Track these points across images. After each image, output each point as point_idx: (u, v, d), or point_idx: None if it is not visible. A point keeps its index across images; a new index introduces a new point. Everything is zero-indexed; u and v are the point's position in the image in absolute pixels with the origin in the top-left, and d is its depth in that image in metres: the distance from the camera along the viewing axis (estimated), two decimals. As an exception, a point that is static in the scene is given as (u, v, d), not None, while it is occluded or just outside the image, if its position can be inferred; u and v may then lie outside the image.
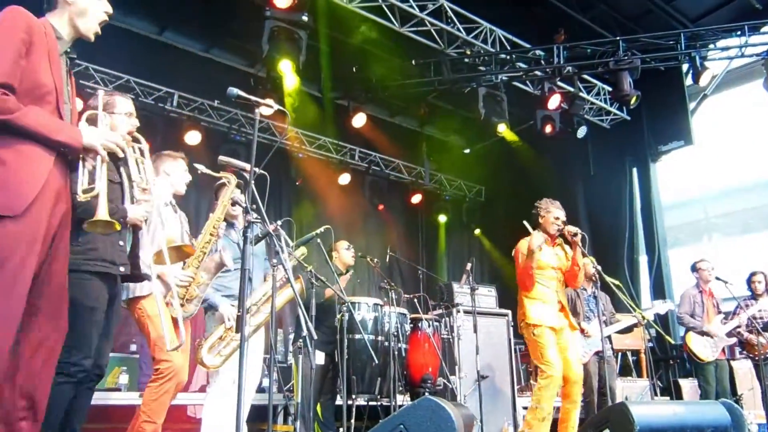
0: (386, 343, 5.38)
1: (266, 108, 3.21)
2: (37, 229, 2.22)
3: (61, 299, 2.40)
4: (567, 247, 5.05)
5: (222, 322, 4.14)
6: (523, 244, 4.90)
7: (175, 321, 3.46)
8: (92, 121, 2.71)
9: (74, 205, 2.50)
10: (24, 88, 2.25)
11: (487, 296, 7.24)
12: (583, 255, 4.93)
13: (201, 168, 3.74)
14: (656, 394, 6.79)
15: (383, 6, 7.38)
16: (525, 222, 4.90)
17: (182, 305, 3.66)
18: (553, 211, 4.94)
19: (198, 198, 8.91)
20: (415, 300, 6.35)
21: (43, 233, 2.24)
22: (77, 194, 2.40)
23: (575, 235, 4.76)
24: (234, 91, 2.89)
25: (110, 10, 2.54)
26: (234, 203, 4.09)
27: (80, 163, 2.42)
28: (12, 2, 2.32)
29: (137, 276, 3.22)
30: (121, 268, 3.05)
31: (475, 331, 5.84)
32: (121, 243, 3.09)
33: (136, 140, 3.21)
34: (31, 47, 2.28)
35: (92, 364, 2.95)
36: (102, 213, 2.39)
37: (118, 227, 2.52)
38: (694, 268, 6.98)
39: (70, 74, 2.56)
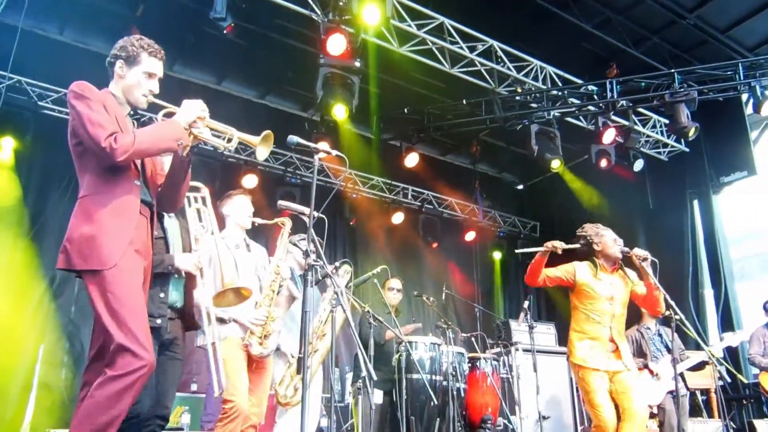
0: (444, 383, 5.34)
1: (320, 152, 3.31)
2: (134, 269, 2.54)
3: None
4: (630, 274, 4.66)
5: (286, 361, 4.26)
6: (574, 266, 4.64)
7: (252, 360, 3.72)
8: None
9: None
10: None
11: (546, 334, 7.14)
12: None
13: (257, 220, 3.94)
14: (730, 437, 6.46)
15: (434, 49, 7.52)
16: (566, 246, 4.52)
17: (261, 343, 3.76)
18: (606, 234, 4.63)
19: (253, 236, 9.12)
20: (473, 338, 6.29)
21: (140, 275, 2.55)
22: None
23: (645, 259, 4.39)
24: (294, 138, 3.00)
25: (156, 90, 2.79)
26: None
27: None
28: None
29: (193, 325, 3.35)
30: (158, 321, 3.13)
31: (535, 370, 5.73)
32: (161, 295, 3.18)
33: (195, 189, 3.37)
34: (107, 110, 2.60)
35: (150, 407, 3.03)
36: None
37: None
38: (766, 308, 6.71)
39: None
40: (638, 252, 4.43)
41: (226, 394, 3.56)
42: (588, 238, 4.66)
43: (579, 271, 4.63)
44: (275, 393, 4.22)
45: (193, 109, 2.74)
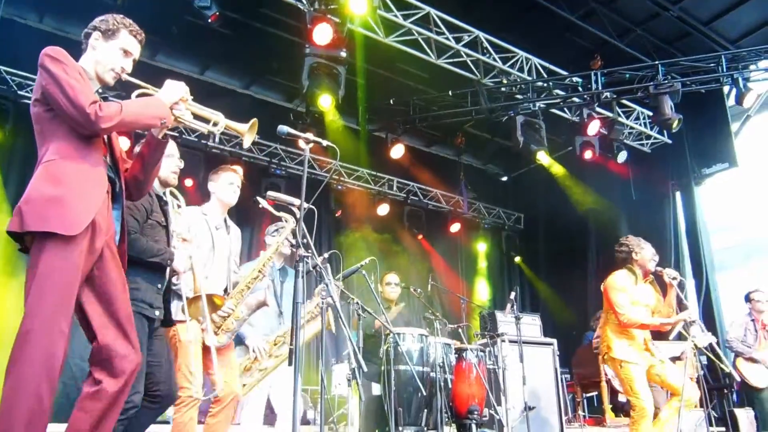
0: (432, 374, 5.34)
1: (311, 143, 3.25)
2: (80, 257, 2.28)
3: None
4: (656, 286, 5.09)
5: (247, 353, 4.20)
6: (615, 280, 4.88)
7: (206, 348, 3.55)
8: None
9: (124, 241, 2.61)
10: None
11: (532, 325, 7.16)
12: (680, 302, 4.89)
13: (263, 204, 3.71)
14: (711, 425, 6.53)
15: (419, 39, 7.49)
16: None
17: (216, 334, 3.69)
18: (646, 248, 4.96)
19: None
20: (459, 329, 6.30)
21: (83, 261, 2.31)
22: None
23: (674, 278, 4.76)
24: (284, 129, 2.95)
25: (129, 69, 2.65)
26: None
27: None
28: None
29: (168, 321, 3.29)
30: (156, 312, 3.09)
31: (521, 360, 5.76)
32: (159, 286, 3.15)
33: (174, 196, 3.32)
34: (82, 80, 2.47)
35: (143, 395, 2.98)
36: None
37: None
38: (748, 299, 6.79)
39: None
40: (669, 272, 4.80)
41: (181, 380, 3.46)
42: (630, 247, 4.99)
43: (623, 282, 4.91)
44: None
45: (177, 89, 2.62)
